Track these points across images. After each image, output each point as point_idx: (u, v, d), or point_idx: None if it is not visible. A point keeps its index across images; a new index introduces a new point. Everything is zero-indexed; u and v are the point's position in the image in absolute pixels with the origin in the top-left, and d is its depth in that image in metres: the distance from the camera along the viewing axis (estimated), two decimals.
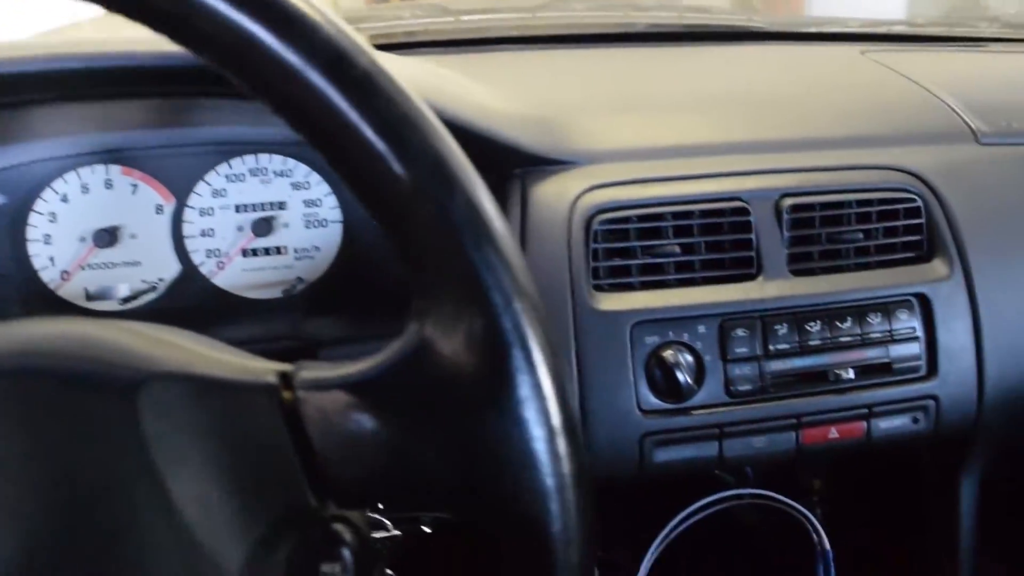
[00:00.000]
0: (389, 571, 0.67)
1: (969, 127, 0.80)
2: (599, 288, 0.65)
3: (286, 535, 0.34)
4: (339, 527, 0.36)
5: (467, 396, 0.33)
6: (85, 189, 0.71)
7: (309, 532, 0.35)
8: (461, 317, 0.32)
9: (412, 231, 0.33)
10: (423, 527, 0.70)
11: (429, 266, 0.33)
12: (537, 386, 0.32)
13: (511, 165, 0.68)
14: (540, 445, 0.32)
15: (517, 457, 0.32)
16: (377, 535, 0.63)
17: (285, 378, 0.35)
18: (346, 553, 0.36)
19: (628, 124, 0.74)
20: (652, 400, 0.63)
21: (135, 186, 0.71)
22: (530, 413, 0.32)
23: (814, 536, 0.76)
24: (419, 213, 0.33)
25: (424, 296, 0.34)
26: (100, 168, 0.71)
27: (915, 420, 0.68)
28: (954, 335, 0.69)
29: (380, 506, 0.37)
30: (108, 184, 0.71)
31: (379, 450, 0.33)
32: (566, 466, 0.33)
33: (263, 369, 0.35)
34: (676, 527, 0.76)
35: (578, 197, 0.66)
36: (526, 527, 0.33)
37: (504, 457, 0.32)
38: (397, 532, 0.63)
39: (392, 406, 0.34)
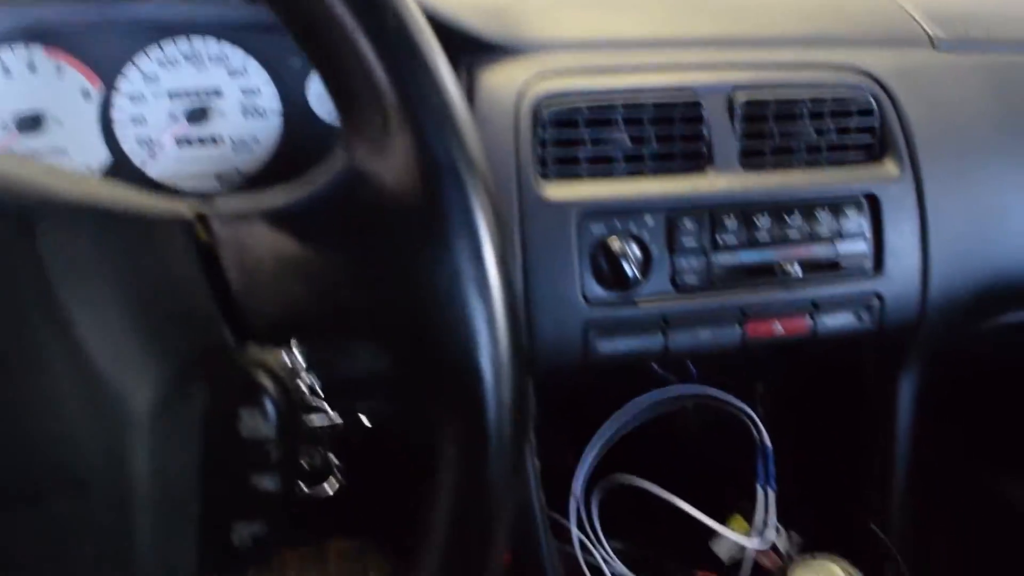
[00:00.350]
0: (332, 457, 0.66)
1: (926, 33, 0.79)
2: (546, 177, 0.63)
3: (201, 377, 0.32)
4: (260, 374, 0.34)
5: (398, 223, 0.31)
6: (6, 72, 0.67)
7: (228, 377, 0.33)
8: (391, 139, 0.30)
9: (342, 56, 0.31)
10: (365, 420, 0.69)
11: (358, 87, 0.31)
12: (470, 210, 0.30)
13: (461, 50, 0.66)
14: (470, 272, 0.31)
15: (446, 286, 0.31)
16: (316, 422, 0.61)
17: (201, 216, 0.33)
18: (267, 401, 0.34)
19: (581, 14, 0.72)
20: (597, 290, 0.62)
21: (60, 68, 0.67)
22: (462, 239, 0.30)
23: (755, 433, 0.76)
24: (349, 37, 0.31)
25: (352, 120, 0.31)
26: (21, 49, 0.66)
27: (859, 318, 0.68)
28: (901, 235, 0.69)
29: (300, 340, 0.35)
30: (31, 67, 0.67)
31: (304, 284, 0.32)
32: (496, 298, 0.31)
33: (176, 204, 0.33)
34: (618, 426, 0.76)
35: (527, 85, 0.64)
36: (454, 364, 0.32)
37: (434, 286, 0.31)
38: (339, 421, 0.62)
39: (320, 236, 0.32)
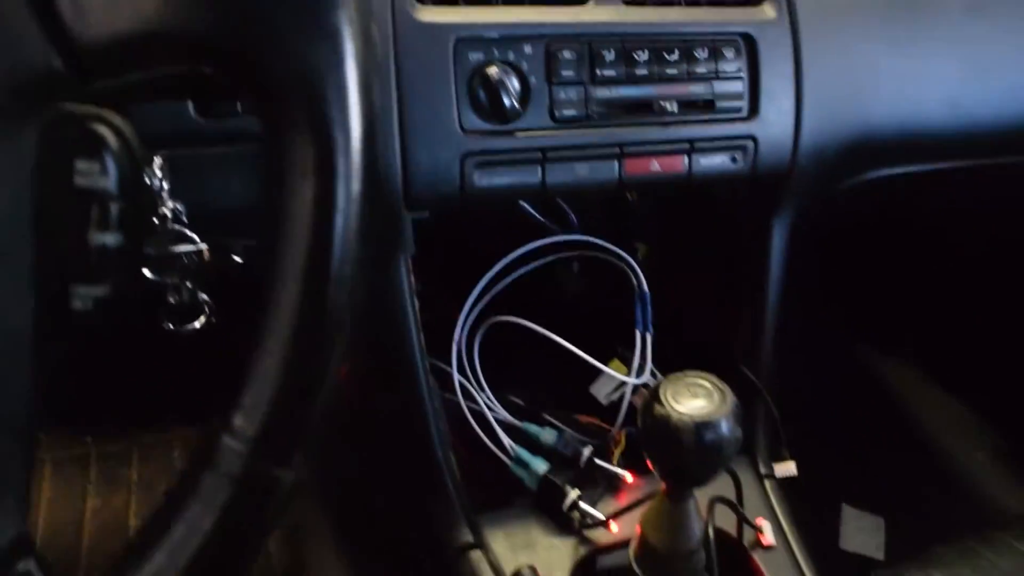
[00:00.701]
0: (198, 291, 0.64)
1: None
2: (422, 0, 0.61)
3: (30, 116, 0.30)
4: (100, 127, 0.32)
5: None
6: None
7: (63, 125, 0.30)
8: None
9: None
10: (234, 256, 0.67)
11: None
12: None
13: None
14: None
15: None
16: (181, 249, 0.59)
17: None
18: (106, 154, 0.32)
19: None
20: (475, 120, 0.61)
21: None
22: None
23: (633, 280, 0.77)
24: None
25: None
26: None
27: (734, 159, 0.69)
28: (776, 78, 0.70)
29: (139, 68, 0.32)
30: None
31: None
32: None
33: None
34: (499, 271, 0.76)
35: None
36: (298, 83, 0.30)
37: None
38: (203, 245, 0.59)
39: None
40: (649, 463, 0.55)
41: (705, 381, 0.54)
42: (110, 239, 0.36)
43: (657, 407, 0.52)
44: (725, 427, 0.51)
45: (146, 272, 0.61)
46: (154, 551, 0.31)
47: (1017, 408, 1.41)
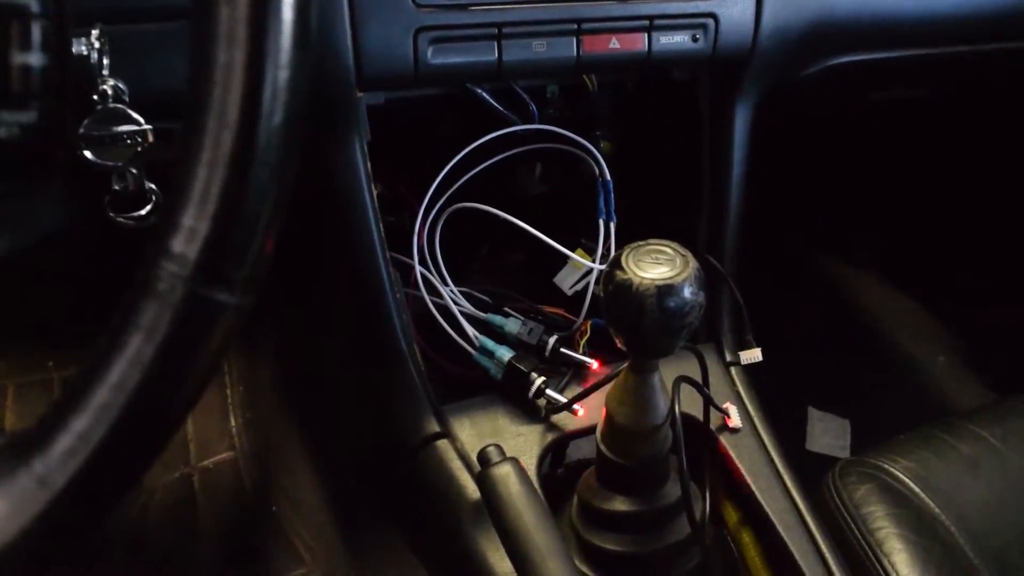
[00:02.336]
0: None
1: None
2: None
3: None
4: None
5: None
6: None
7: None
8: None
9: None
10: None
11: None
12: None
13: None
14: None
15: None
16: (123, 128, 0.56)
17: None
18: None
19: None
20: None
21: None
22: None
23: (595, 168, 0.76)
24: None
25: None
26: None
27: (694, 38, 0.68)
28: None
29: None
30: None
31: None
32: None
33: None
34: (457, 171, 0.74)
35: None
36: None
37: None
38: (147, 127, 0.57)
39: None
40: (613, 334, 0.54)
41: (667, 248, 0.53)
42: (34, 59, 0.33)
43: (619, 273, 0.51)
44: (688, 291, 0.51)
45: (87, 154, 0.58)
46: (95, 388, 0.29)
47: (975, 312, 1.43)
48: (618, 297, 0.51)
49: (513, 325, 0.73)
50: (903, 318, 1.53)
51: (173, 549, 0.98)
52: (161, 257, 0.29)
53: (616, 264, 0.52)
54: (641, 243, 0.54)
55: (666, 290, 0.50)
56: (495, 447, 0.56)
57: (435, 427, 0.67)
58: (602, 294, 0.53)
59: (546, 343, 0.72)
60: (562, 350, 0.72)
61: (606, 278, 0.53)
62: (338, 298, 0.74)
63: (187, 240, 0.29)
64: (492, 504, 0.54)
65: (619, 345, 0.55)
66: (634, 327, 0.52)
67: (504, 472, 0.54)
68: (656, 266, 0.52)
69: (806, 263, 1.53)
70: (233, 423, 1.08)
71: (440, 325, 0.72)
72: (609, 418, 0.59)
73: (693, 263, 0.52)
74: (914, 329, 1.51)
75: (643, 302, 0.50)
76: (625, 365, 0.59)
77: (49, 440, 0.29)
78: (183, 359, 0.30)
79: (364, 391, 0.78)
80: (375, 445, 0.79)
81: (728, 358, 0.78)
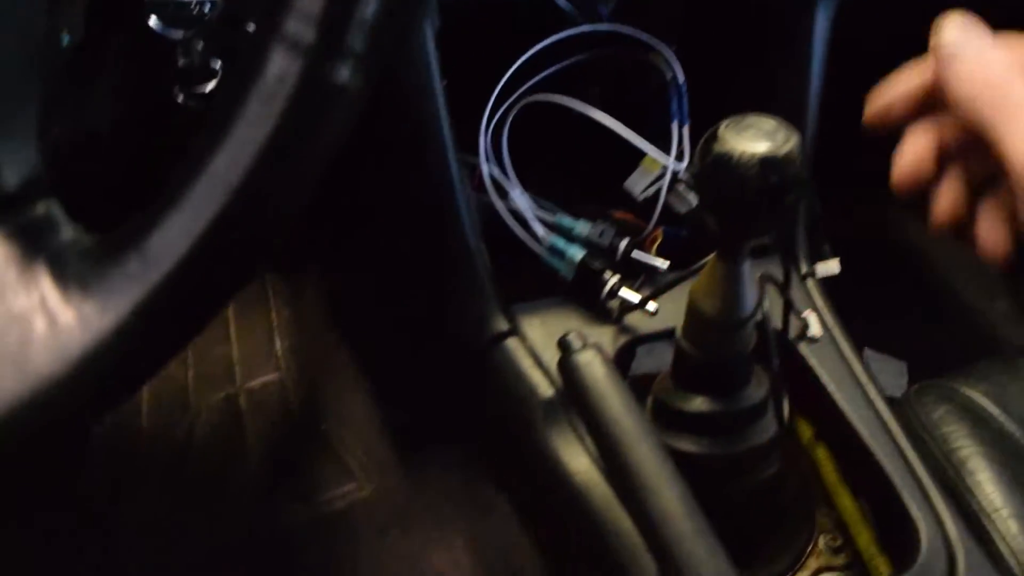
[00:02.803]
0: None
1: None
2: None
3: None
4: None
5: None
6: None
7: None
8: None
9: None
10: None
11: None
12: None
13: None
14: None
15: None
16: None
17: None
18: None
19: None
20: None
21: None
22: None
23: (668, 70, 0.72)
24: None
25: None
26: None
27: None
28: None
29: None
30: None
31: None
32: None
33: None
34: (524, 74, 0.71)
35: None
36: None
37: None
38: None
39: None
40: (704, 215, 0.51)
41: (770, 120, 0.49)
42: None
43: (717, 145, 0.48)
44: (792, 167, 0.47)
45: (152, 22, 0.56)
46: (196, 181, 0.27)
47: None
48: (716, 170, 0.48)
49: (583, 227, 0.69)
50: (961, 263, 1.48)
51: (220, 469, 0.97)
52: (271, 38, 0.26)
53: (714, 136, 0.48)
54: (740, 116, 0.50)
55: (770, 163, 0.47)
56: (576, 333, 0.53)
57: (504, 325, 0.64)
58: (696, 168, 0.49)
59: (617, 246, 0.68)
60: (634, 254, 0.69)
61: (702, 151, 0.49)
62: (404, 198, 0.71)
63: (303, 21, 0.26)
64: (576, 392, 0.51)
65: (709, 228, 0.52)
66: (732, 204, 0.49)
67: (588, 358, 0.51)
68: (759, 139, 0.48)
69: (866, 199, 1.48)
70: (278, 345, 1.06)
71: (507, 227, 0.68)
72: (693, 311, 0.56)
73: (797, 138, 0.49)
74: (973, 275, 1.46)
75: (744, 176, 0.47)
76: (709, 258, 0.56)
77: (143, 237, 0.26)
78: (295, 149, 0.27)
79: (430, 294, 0.75)
80: (440, 350, 0.77)
81: (804, 270, 0.74)
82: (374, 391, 0.93)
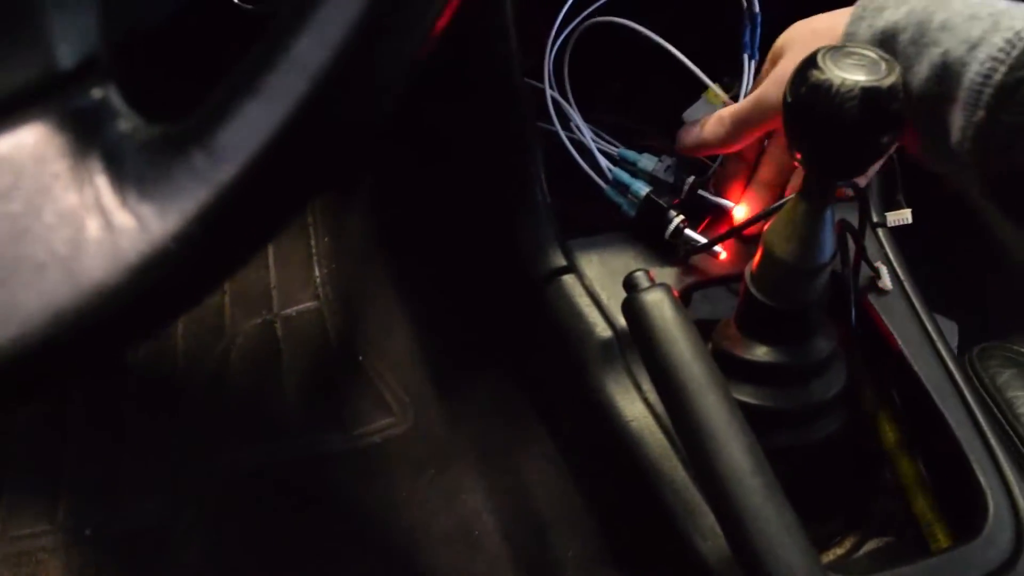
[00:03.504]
0: None
1: None
2: None
3: None
4: None
5: None
6: None
7: None
8: None
9: None
10: None
11: None
12: None
13: None
14: None
15: None
16: None
17: None
18: None
19: None
20: None
21: None
22: None
23: (744, 2, 0.68)
24: None
25: None
26: None
27: None
28: None
29: None
30: None
31: None
32: None
33: None
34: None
35: None
36: None
37: None
38: None
39: None
40: (793, 148, 0.47)
41: (870, 51, 0.45)
42: None
43: (815, 73, 0.44)
44: (894, 101, 0.43)
45: None
46: (274, 65, 0.23)
47: None
48: (812, 100, 0.44)
49: (648, 161, 0.66)
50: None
51: (255, 394, 0.96)
52: None
53: (812, 63, 0.44)
54: (838, 45, 0.46)
55: (872, 94, 0.43)
56: (643, 272, 0.50)
57: (561, 261, 0.61)
58: (788, 98, 0.46)
59: (683, 182, 0.65)
60: (700, 192, 0.65)
61: (795, 80, 0.45)
62: (468, 124, 0.67)
63: None
64: (642, 333, 0.48)
65: (796, 162, 0.48)
66: (827, 136, 0.45)
67: (657, 298, 0.48)
68: (860, 69, 0.44)
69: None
70: (317, 273, 1.04)
71: (571, 157, 0.65)
72: (767, 255, 0.53)
73: (899, 69, 0.45)
74: None
75: (843, 106, 0.43)
76: (787, 200, 0.52)
77: (212, 129, 0.23)
78: (392, 31, 0.24)
79: (487, 225, 0.72)
80: (492, 285, 0.74)
81: (875, 219, 0.70)
82: (416, 325, 0.90)
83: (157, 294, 0.24)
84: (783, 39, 0.57)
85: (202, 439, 0.88)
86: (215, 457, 0.87)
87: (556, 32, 0.67)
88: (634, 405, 0.55)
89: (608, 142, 0.68)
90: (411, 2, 0.24)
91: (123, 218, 0.24)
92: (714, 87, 0.67)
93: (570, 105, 0.67)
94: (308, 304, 1.01)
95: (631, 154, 0.66)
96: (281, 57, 0.23)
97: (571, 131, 0.66)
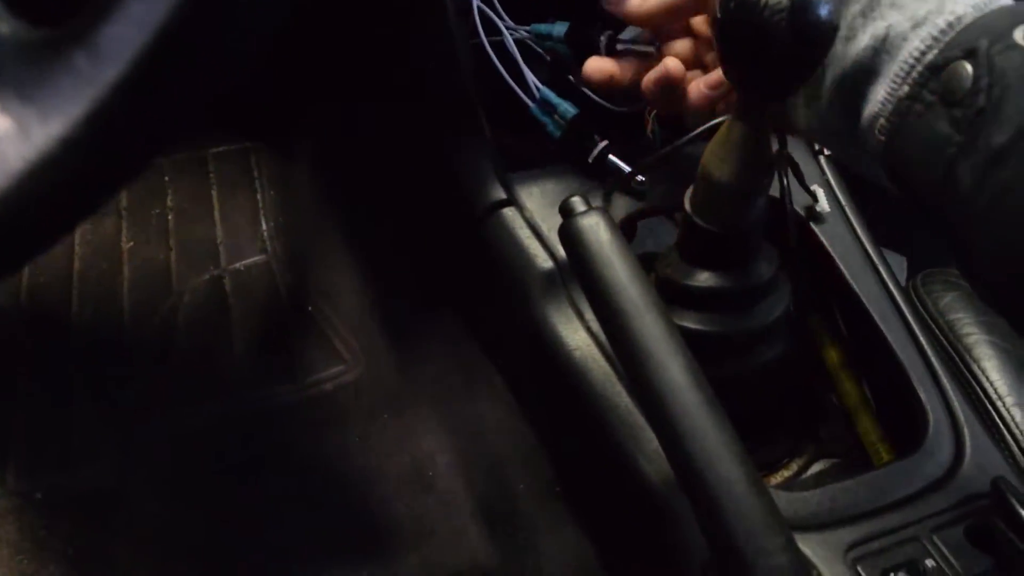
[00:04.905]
0: None
1: None
2: None
3: None
4: None
5: None
6: None
7: None
8: None
9: None
10: None
11: None
12: None
13: None
14: None
15: None
16: None
17: None
18: None
19: None
20: None
21: None
22: None
23: None
24: None
25: None
26: None
27: None
28: None
29: None
30: None
31: None
32: None
33: None
34: None
35: None
36: None
37: None
38: None
39: None
40: (726, 68, 0.46)
41: None
42: None
43: None
44: (826, 11, 0.43)
45: None
46: None
47: None
48: (741, 15, 0.43)
49: (560, 27, 0.64)
50: None
51: (204, 350, 0.94)
52: None
53: None
54: None
55: (801, 5, 0.42)
56: (579, 197, 0.49)
57: (501, 194, 0.60)
58: (718, 14, 0.45)
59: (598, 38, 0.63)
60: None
61: None
62: (398, 53, 0.65)
63: None
64: (578, 257, 0.48)
65: (730, 81, 0.47)
66: (758, 54, 0.44)
67: (592, 221, 0.48)
68: None
69: None
70: (264, 227, 1.02)
71: (498, 72, 0.63)
72: (706, 177, 0.53)
73: None
74: None
75: (772, 21, 0.43)
76: (722, 120, 0.52)
77: (94, 29, 0.22)
78: None
79: (426, 163, 0.71)
80: (438, 226, 0.73)
81: (816, 146, 0.71)
82: (365, 273, 0.89)
83: (47, 200, 0.23)
84: None
85: (152, 398, 0.87)
86: (166, 416, 0.86)
87: None
88: (577, 334, 0.55)
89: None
90: None
91: (3, 125, 0.22)
92: None
93: (496, 13, 0.65)
94: (256, 258, 1.00)
95: (543, 27, 0.64)
96: None
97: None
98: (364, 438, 0.80)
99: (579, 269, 0.48)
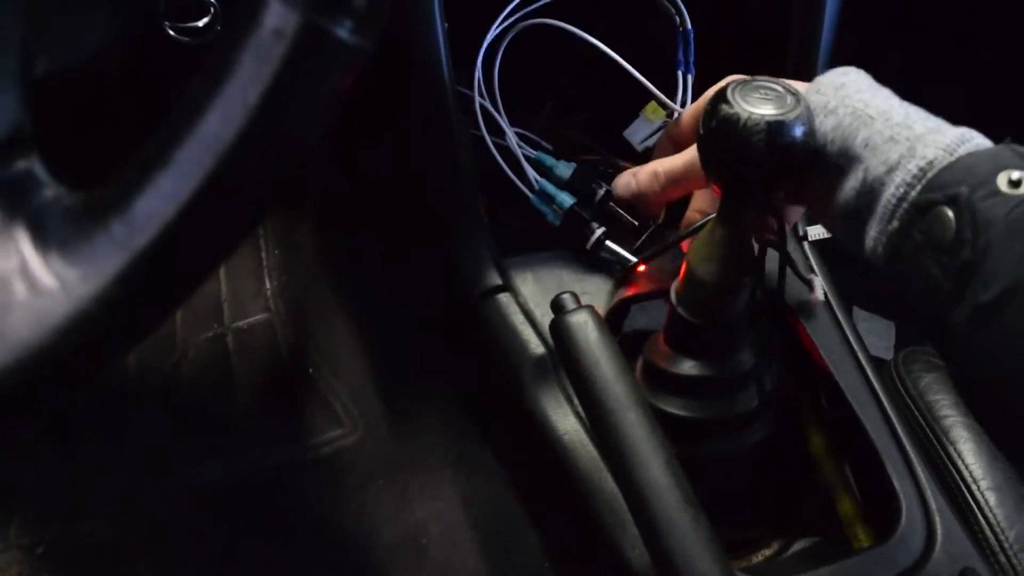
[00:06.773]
0: None
1: None
2: None
3: None
4: None
5: None
6: None
7: None
8: None
9: None
10: None
11: None
12: None
13: None
14: None
15: None
16: None
17: None
18: None
19: None
20: None
21: None
22: None
23: (676, 18, 0.70)
24: None
25: None
26: None
27: None
28: None
29: None
30: None
31: None
32: None
33: None
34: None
35: None
36: None
37: None
38: None
39: None
40: (710, 177, 0.50)
41: (776, 85, 0.48)
42: None
43: (724, 107, 0.46)
44: (799, 131, 0.46)
45: None
46: (185, 140, 0.25)
47: None
48: (722, 133, 0.47)
49: (565, 168, 0.68)
50: None
51: (206, 407, 0.97)
52: None
53: (721, 98, 0.47)
54: (747, 78, 0.49)
55: (777, 127, 0.46)
56: (570, 294, 0.52)
57: (497, 280, 0.63)
58: (702, 130, 0.48)
59: (597, 192, 0.67)
60: (611, 204, 0.67)
61: (708, 113, 0.48)
62: (401, 138, 0.69)
63: None
64: (567, 353, 0.51)
65: (713, 191, 0.51)
66: (737, 167, 0.48)
67: (581, 320, 0.50)
68: (765, 102, 0.47)
69: None
70: (268, 285, 1.05)
71: (499, 167, 0.67)
72: (689, 274, 0.55)
73: (804, 103, 0.47)
74: None
75: (750, 139, 0.46)
76: (708, 219, 0.55)
77: (128, 200, 0.25)
78: (293, 107, 0.26)
79: (424, 243, 0.74)
80: (432, 300, 0.76)
81: (800, 232, 0.74)
82: (365, 338, 0.92)
83: (83, 350, 0.26)
84: None
85: (154, 454, 0.89)
86: (167, 472, 0.88)
87: (487, 37, 0.69)
88: (566, 419, 0.58)
89: (544, 149, 0.69)
90: (312, 81, 0.26)
91: (48, 282, 0.25)
92: (658, 96, 0.69)
93: (498, 112, 0.68)
94: (259, 316, 1.03)
95: (548, 159, 0.68)
96: (191, 132, 0.25)
97: (502, 139, 0.68)
98: (360, 502, 0.82)
99: (568, 364, 0.51)
